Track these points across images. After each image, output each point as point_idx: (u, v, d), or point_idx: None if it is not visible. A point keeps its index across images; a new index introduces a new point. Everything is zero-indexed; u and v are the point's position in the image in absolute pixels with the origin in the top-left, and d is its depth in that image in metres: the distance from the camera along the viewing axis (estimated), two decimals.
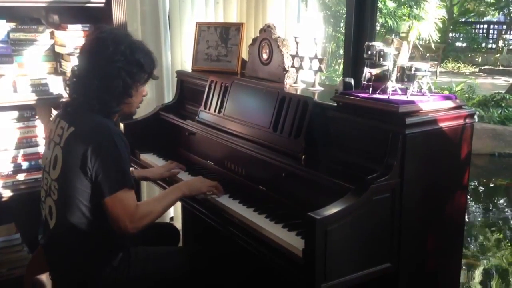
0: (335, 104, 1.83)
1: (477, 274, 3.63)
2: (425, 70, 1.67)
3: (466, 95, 8.84)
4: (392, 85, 1.71)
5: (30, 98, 2.81)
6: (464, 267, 3.72)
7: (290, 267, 1.62)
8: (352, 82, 1.89)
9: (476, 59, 15.66)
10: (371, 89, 1.75)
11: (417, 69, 1.66)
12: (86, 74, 1.83)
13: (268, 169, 2.01)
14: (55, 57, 2.96)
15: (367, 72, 1.75)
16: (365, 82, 1.76)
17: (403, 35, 6.71)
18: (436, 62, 13.13)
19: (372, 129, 1.70)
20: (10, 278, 2.78)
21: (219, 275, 2.06)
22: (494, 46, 16.01)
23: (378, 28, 11.81)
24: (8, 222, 2.88)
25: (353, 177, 1.66)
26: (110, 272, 1.85)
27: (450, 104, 1.72)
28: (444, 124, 1.67)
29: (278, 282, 1.90)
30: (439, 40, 13.54)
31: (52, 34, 2.93)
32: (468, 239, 4.35)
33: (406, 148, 1.59)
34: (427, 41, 13.08)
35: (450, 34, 16.41)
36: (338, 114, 1.82)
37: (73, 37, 2.87)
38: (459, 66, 15.21)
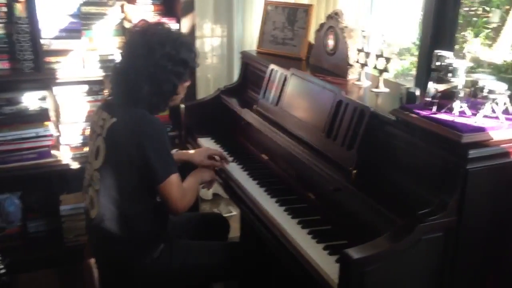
0: (394, 118, 1.62)
1: None
2: (500, 93, 1.41)
3: None
4: (459, 105, 1.47)
5: (97, 74, 2.84)
6: None
7: None
8: (418, 92, 1.66)
9: None
10: (435, 106, 1.52)
11: (490, 91, 1.41)
12: (135, 77, 1.81)
13: (317, 178, 1.87)
14: (123, 31, 2.94)
15: (432, 87, 1.51)
16: (429, 99, 1.53)
17: (494, 25, 5.93)
18: None
19: (430, 155, 1.49)
20: (76, 244, 2.94)
21: (259, 278, 2.01)
22: None
23: None
24: (77, 191, 3.00)
25: (404, 207, 1.48)
26: (150, 263, 1.87)
27: None
28: None
29: None
30: None
31: (122, 7, 2.91)
32: None
33: (467, 185, 1.37)
34: None
35: None
36: (396, 131, 1.62)
37: (141, 11, 2.83)
38: None
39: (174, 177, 1.81)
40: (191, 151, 2.32)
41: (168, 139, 1.87)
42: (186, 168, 2.11)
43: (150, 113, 1.83)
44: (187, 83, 1.96)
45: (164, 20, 2.81)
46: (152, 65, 1.80)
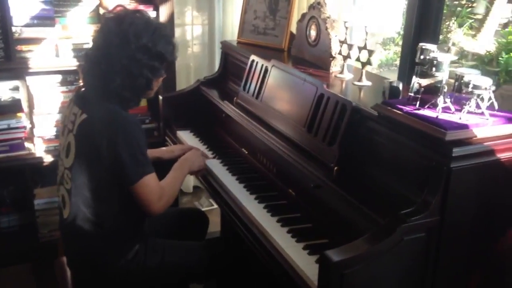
0: (376, 114, 1.56)
1: None
2: (486, 88, 1.36)
3: None
4: (443, 100, 1.42)
5: (72, 63, 2.74)
6: None
7: None
8: (401, 86, 1.61)
9: None
10: (418, 102, 1.46)
11: (475, 86, 1.35)
12: (107, 68, 1.70)
13: (298, 174, 1.81)
14: (99, 19, 2.84)
15: (416, 82, 1.46)
16: (412, 94, 1.47)
17: (478, 17, 5.85)
18: None
19: (413, 152, 1.44)
20: (51, 239, 2.85)
21: (238, 277, 1.96)
22: None
23: None
24: (51, 184, 2.91)
25: (386, 206, 1.43)
26: (125, 263, 1.80)
27: None
28: (503, 155, 1.38)
29: None
30: None
31: None
32: None
33: (450, 184, 1.33)
34: None
35: None
36: (378, 127, 1.57)
37: None
38: None
39: (149, 178, 1.70)
40: (162, 148, 2.25)
41: (144, 138, 1.74)
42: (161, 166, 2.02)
43: (121, 108, 1.74)
44: (162, 77, 1.86)
45: (141, 7, 2.72)
46: (126, 57, 1.70)
